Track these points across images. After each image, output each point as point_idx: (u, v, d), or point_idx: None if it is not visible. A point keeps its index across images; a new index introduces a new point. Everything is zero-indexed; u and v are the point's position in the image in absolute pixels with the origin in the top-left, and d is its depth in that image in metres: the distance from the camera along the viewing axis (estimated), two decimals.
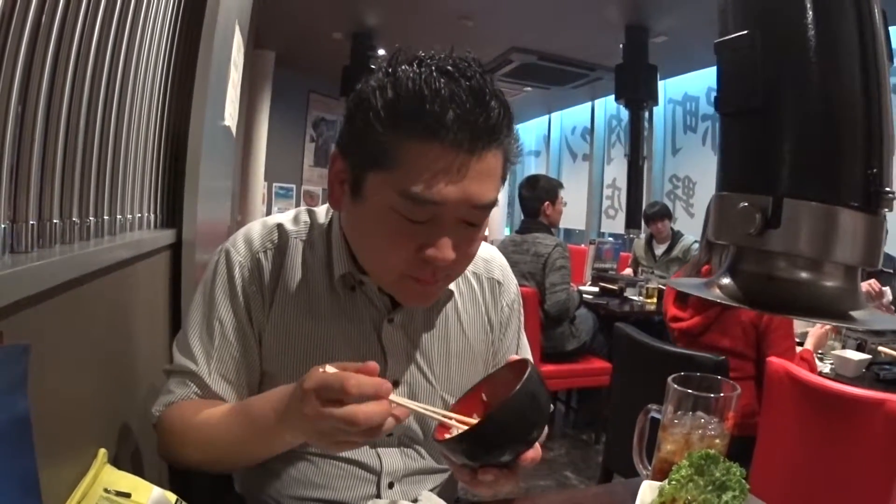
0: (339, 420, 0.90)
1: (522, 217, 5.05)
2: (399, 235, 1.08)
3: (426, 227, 1.07)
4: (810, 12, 0.75)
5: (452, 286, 1.35)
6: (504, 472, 1.03)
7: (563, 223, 11.21)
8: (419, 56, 1.06)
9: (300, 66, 10.70)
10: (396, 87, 1.03)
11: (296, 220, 1.34)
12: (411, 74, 1.02)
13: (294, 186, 11.99)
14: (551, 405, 1.10)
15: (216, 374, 1.24)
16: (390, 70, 1.06)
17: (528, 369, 1.02)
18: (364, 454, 1.30)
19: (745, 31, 0.78)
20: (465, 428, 1.00)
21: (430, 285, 1.16)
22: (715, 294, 0.85)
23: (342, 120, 1.16)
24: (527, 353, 1.51)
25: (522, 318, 1.55)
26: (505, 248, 4.64)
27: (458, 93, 1.00)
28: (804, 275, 0.79)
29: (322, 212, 1.36)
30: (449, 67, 1.03)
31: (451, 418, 1.06)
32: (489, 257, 1.48)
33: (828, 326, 3.24)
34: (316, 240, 1.31)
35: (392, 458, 1.32)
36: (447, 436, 1.01)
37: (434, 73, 1.02)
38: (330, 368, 0.94)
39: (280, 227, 1.31)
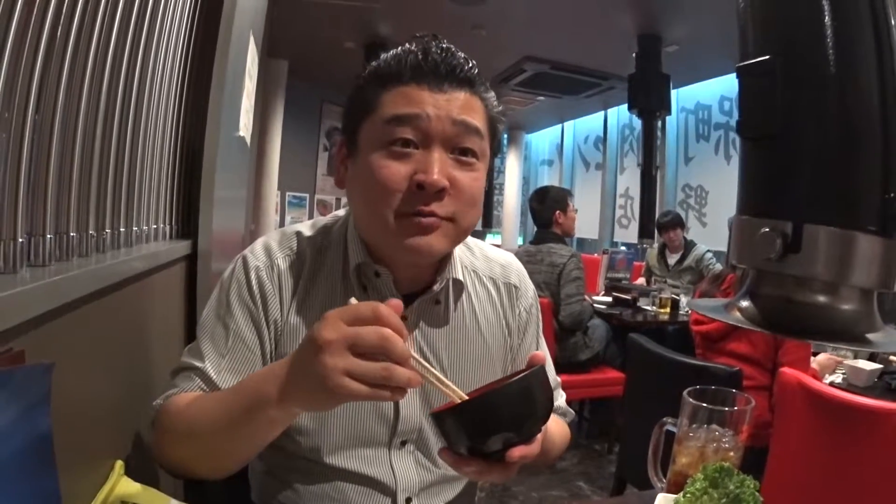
0: (369, 370, 0.88)
1: (535, 228, 5.06)
2: (390, 167, 1.14)
3: (415, 155, 1.14)
4: (829, 39, 0.76)
5: (467, 283, 1.38)
6: (489, 464, 0.99)
7: (576, 233, 11.23)
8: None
9: (313, 75, 10.73)
10: (380, 59, 1.21)
11: (313, 226, 1.38)
12: (394, 51, 1.20)
13: (307, 195, 12.04)
14: (552, 407, 1.07)
15: (227, 371, 1.23)
16: (383, 53, 1.22)
17: (536, 367, 1.01)
18: (379, 469, 1.30)
19: (767, 57, 0.79)
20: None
21: (429, 223, 1.15)
22: (735, 318, 0.86)
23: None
24: (548, 363, 1.51)
25: (541, 324, 1.56)
26: (519, 258, 4.56)
27: (429, 48, 1.16)
28: (822, 298, 0.79)
29: (341, 214, 1.40)
30: (425, 38, 1.19)
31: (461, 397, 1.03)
32: (506, 263, 1.50)
33: (835, 358, 3.26)
34: (333, 242, 1.33)
35: (406, 472, 1.32)
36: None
37: (412, 42, 1.19)
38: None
39: (298, 234, 1.34)
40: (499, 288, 1.46)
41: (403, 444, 1.33)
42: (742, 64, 0.82)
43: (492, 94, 1.24)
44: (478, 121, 1.18)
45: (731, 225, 5.06)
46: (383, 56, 1.20)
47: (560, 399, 1.53)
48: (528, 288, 1.52)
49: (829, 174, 0.77)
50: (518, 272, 1.52)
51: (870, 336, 0.81)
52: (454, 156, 1.16)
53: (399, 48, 1.19)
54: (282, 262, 1.29)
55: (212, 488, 1.40)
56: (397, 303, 0.94)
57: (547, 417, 1.04)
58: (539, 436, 1.04)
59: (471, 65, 1.19)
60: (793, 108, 0.77)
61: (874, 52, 0.76)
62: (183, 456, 1.15)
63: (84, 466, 0.98)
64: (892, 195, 0.75)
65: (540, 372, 1.01)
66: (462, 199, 1.18)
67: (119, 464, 1.05)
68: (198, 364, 1.23)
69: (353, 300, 0.94)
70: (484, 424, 0.95)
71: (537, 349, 1.51)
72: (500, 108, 1.26)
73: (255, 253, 1.30)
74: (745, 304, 0.86)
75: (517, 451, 0.97)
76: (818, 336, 0.82)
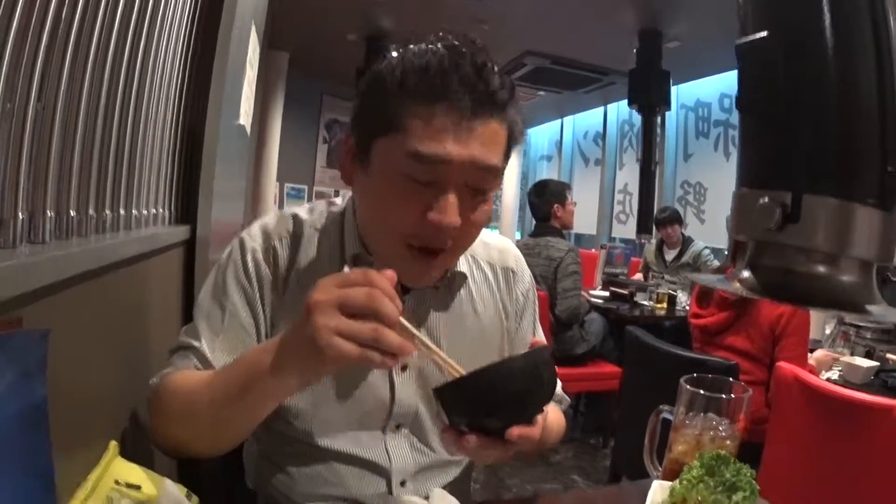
0: (359, 329, 0.88)
1: (534, 222, 5.06)
2: (404, 197, 1.10)
3: (431, 189, 1.09)
4: (827, 15, 0.76)
5: (466, 271, 1.38)
6: (490, 441, 0.99)
7: (574, 228, 11.23)
8: (427, 38, 1.13)
9: (314, 67, 10.70)
10: (405, 60, 1.09)
11: (312, 210, 1.36)
12: (418, 51, 1.10)
13: (306, 187, 12.01)
14: (555, 388, 1.06)
15: (221, 350, 1.22)
16: (401, 50, 1.13)
17: (541, 346, 1.01)
18: (374, 451, 1.31)
19: (765, 34, 0.79)
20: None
21: (433, 259, 1.16)
22: (735, 287, 0.86)
23: (354, 101, 1.20)
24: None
25: (537, 309, 1.56)
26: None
27: (462, 63, 1.07)
28: (821, 269, 0.80)
29: (339, 202, 1.38)
30: (455, 42, 1.10)
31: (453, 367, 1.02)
32: (503, 248, 1.50)
33: (832, 355, 3.28)
34: (330, 227, 1.32)
35: (402, 454, 1.32)
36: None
37: (439, 48, 1.09)
38: None
39: (295, 216, 1.33)
40: (496, 272, 1.46)
41: (398, 427, 1.33)
42: (741, 41, 0.82)
43: (519, 107, 1.17)
44: (498, 156, 1.14)
45: (728, 224, 5.07)
46: (409, 60, 1.09)
47: (556, 386, 1.52)
48: (525, 273, 1.52)
49: (829, 147, 0.78)
50: (515, 257, 1.52)
51: (869, 307, 0.81)
52: (469, 191, 1.13)
53: (427, 51, 1.10)
54: (278, 245, 1.29)
55: (207, 472, 1.41)
56: (391, 273, 0.94)
57: (550, 398, 1.04)
58: (540, 419, 1.04)
59: (504, 86, 1.11)
60: (792, 83, 0.78)
61: (870, 25, 0.76)
62: (179, 434, 1.15)
63: (78, 444, 0.98)
64: (892, 169, 0.75)
65: (545, 351, 1.01)
66: (470, 229, 1.17)
67: (113, 444, 1.05)
68: (194, 343, 1.22)
69: (347, 268, 0.95)
70: (487, 398, 0.95)
71: (534, 335, 1.51)
72: (523, 123, 1.21)
73: (253, 235, 1.29)
74: (745, 274, 0.86)
75: (517, 430, 0.98)
76: (819, 304, 0.83)
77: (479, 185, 1.13)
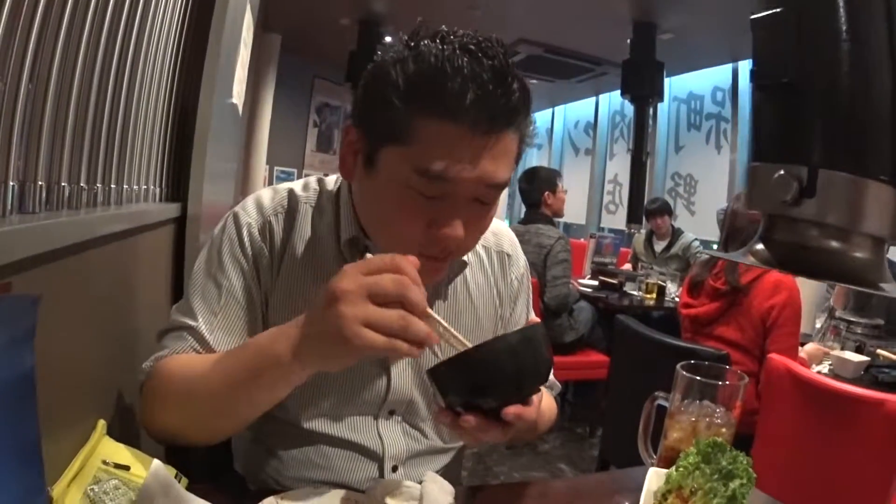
0: (387, 317, 0.86)
1: (524, 209, 5.04)
2: (411, 210, 1.06)
3: (438, 203, 1.05)
4: None
5: (465, 258, 1.34)
6: (487, 422, 0.97)
7: (566, 218, 11.23)
8: (442, 32, 1.04)
9: (306, 50, 10.69)
10: (418, 61, 1.01)
11: (305, 186, 1.32)
12: (434, 50, 1.00)
13: (295, 171, 12.00)
14: (550, 367, 1.04)
15: (220, 330, 1.19)
16: (412, 44, 1.04)
17: (536, 323, 1.00)
18: (366, 436, 1.29)
19: (779, 9, 0.78)
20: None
21: (439, 262, 1.14)
22: (749, 260, 0.85)
23: (358, 90, 1.13)
24: None
25: (531, 293, 1.54)
26: None
27: (480, 73, 0.98)
28: (835, 244, 0.80)
29: (331, 180, 1.34)
30: (472, 46, 1.00)
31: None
32: (498, 231, 1.46)
33: (823, 349, 3.29)
34: (325, 205, 1.28)
35: (395, 440, 1.31)
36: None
37: (457, 51, 0.99)
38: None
39: (290, 192, 1.29)
40: (491, 256, 1.44)
41: (391, 413, 1.32)
42: (755, 16, 0.81)
43: (530, 109, 1.09)
44: (508, 170, 1.08)
45: (719, 217, 5.10)
46: (421, 61, 1.00)
47: (551, 366, 1.51)
48: (520, 256, 1.50)
49: (842, 121, 0.77)
50: (510, 241, 1.49)
51: (882, 285, 0.81)
52: (475, 203, 1.09)
53: (441, 52, 0.99)
54: (273, 220, 1.25)
55: (194, 455, 1.39)
56: (414, 259, 0.92)
57: (545, 377, 1.02)
58: (535, 399, 1.02)
59: (521, 90, 1.03)
60: (806, 58, 0.78)
61: (885, 2, 0.76)
62: (174, 421, 1.12)
63: (65, 422, 0.96)
64: None
65: (539, 328, 1.00)
66: (475, 234, 1.15)
67: (101, 423, 1.03)
68: (190, 323, 1.18)
69: (369, 255, 0.93)
70: (481, 376, 0.93)
71: (528, 318, 1.51)
72: (534, 126, 1.15)
73: (247, 209, 1.26)
74: (759, 247, 0.86)
75: (513, 409, 0.95)
76: (831, 277, 0.82)
77: (486, 199, 1.10)
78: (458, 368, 0.93)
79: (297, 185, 1.32)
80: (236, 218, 1.25)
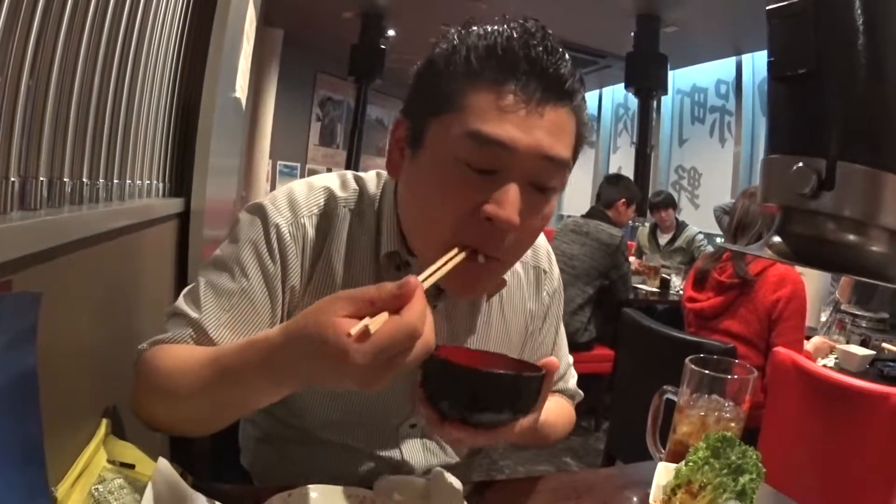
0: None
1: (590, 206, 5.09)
2: (458, 187, 0.98)
3: (489, 181, 0.97)
4: None
5: (505, 276, 1.21)
6: (471, 433, 0.93)
7: (567, 210, 11.22)
8: (492, 21, 1.03)
9: (308, 45, 10.68)
10: (470, 39, 1.00)
11: (344, 185, 1.22)
12: (483, 32, 1.00)
13: (298, 165, 11.98)
14: (527, 413, 1.00)
15: (226, 328, 1.08)
16: (462, 31, 1.02)
17: (541, 373, 0.97)
18: (386, 448, 1.27)
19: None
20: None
21: (482, 268, 1.02)
22: (766, 253, 0.84)
23: (411, 82, 1.09)
24: (563, 347, 1.48)
25: (561, 307, 1.47)
26: (565, 227, 4.73)
27: (533, 44, 0.96)
28: (853, 237, 0.78)
29: (371, 180, 1.24)
30: (525, 23, 1.00)
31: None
32: (536, 244, 1.37)
33: (829, 342, 3.29)
34: (366, 210, 1.19)
35: (414, 453, 1.29)
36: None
37: (506, 28, 0.99)
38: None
39: (328, 190, 1.19)
40: (528, 271, 1.36)
41: (413, 426, 1.29)
42: (772, 7, 0.80)
43: (584, 96, 1.05)
44: (566, 148, 1.01)
45: (717, 214, 5.12)
46: (474, 39, 0.99)
47: (571, 381, 1.48)
48: (555, 271, 1.43)
49: (860, 113, 0.76)
50: (548, 254, 1.41)
51: None
52: (532, 188, 1.00)
53: (492, 31, 0.99)
54: (307, 221, 1.14)
55: (199, 450, 1.38)
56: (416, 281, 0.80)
57: (519, 418, 0.98)
58: (531, 419, 1.01)
59: (574, 74, 1.00)
60: (825, 48, 0.76)
61: None
62: (160, 413, 1.04)
63: (68, 421, 0.95)
64: None
65: (535, 381, 0.96)
66: (525, 236, 1.05)
67: (105, 422, 1.02)
68: (192, 314, 1.08)
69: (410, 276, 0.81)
70: (459, 395, 0.92)
71: (556, 334, 1.45)
72: (591, 121, 1.11)
73: (278, 205, 1.14)
74: (776, 239, 0.84)
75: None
76: (849, 271, 0.81)
77: (542, 180, 1.00)
78: (442, 376, 0.93)
79: (333, 182, 1.22)
80: (264, 213, 1.14)
